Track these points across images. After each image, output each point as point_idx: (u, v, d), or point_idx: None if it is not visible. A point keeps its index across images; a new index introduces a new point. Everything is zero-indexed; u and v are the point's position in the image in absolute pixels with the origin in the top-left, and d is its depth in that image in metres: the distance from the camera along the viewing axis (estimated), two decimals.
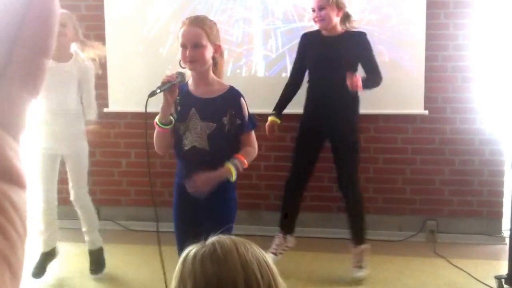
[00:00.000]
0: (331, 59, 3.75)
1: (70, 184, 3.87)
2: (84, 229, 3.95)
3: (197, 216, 2.74)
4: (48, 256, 3.94)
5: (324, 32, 3.81)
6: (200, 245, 1.19)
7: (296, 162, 4.00)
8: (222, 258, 1.15)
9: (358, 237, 3.93)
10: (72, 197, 3.88)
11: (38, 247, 3.91)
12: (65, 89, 3.70)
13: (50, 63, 0.48)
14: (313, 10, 3.76)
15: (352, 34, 3.80)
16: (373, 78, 3.79)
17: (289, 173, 4.03)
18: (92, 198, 4.83)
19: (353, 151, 3.86)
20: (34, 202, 3.79)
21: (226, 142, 2.66)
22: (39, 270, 3.87)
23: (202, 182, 2.62)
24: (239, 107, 2.68)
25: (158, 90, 2.46)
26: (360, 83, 3.60)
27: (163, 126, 2.56)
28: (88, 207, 3.95)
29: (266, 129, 3.88)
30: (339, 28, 3.79)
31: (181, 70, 2.62)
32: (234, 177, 2.66)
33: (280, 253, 4.01)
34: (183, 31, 2.60)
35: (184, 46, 2.59)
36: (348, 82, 3.56)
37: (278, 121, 3.93)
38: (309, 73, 3.92)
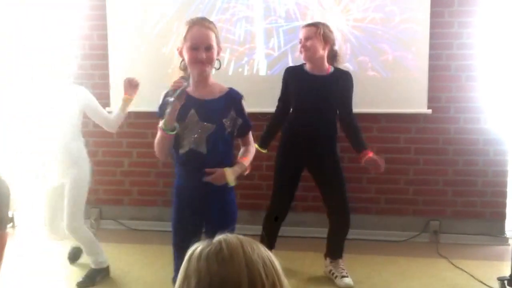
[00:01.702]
0: (316, 99, 3.68)
1: (65, 212, 3.72)
2: (85, 251, 3.88)
3: (196, 218, 2.72)
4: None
5: (308, 68, 3.73)
6: (206, 243, 1.18)
7: (276, 195, 3.94)
8: (228, 257, 1.13)
9: (338, 252, 3.90)
10: (65, 226, 3.74)
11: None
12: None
13: None
14: (300, 42, 3.70)
15: (338, 76, 3.71)
16: (357, 131, 3.78)
17: (270, 207, 3.96)
18: (94, 197, 4.84)
19: (337, 174, 3.79)
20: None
21: (223, 145, 2.65)
22: (74, 257, 4.08)
23: (219, 176, 2.60)
24: (240, 108, 2.67)
25: (172, 99, 2.44)
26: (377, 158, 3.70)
27: (169, 131, 2.54)
28: (83, 236, 3.80)
29: None
30: (326, 65, 3.70)
31: (182, 74, 2.61)
32: (232, 184, 2.64)
33: None
34: (195, 33, 2.56)
35: (195, 48, 2.55)
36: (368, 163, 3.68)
37: (264, 151, 3.93)
38: (293, 107, 3.83)
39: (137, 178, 4.87)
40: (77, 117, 3.69)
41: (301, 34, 3.72)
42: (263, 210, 4.68)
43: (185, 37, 2.58)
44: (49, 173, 3.73)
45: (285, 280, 1.18)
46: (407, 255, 4.25)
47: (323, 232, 4.22)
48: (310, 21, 4.35)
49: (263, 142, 3.94)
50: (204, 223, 2.75)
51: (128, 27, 4.68)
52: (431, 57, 4.34)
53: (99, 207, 4.93)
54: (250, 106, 4.37)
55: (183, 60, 2.64)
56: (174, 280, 2.78)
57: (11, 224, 4.73)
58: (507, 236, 4.43)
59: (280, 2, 4.48)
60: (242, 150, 2.80)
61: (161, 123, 2.55)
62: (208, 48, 2.56)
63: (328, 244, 3.94)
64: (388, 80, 4.38)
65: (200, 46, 2.55)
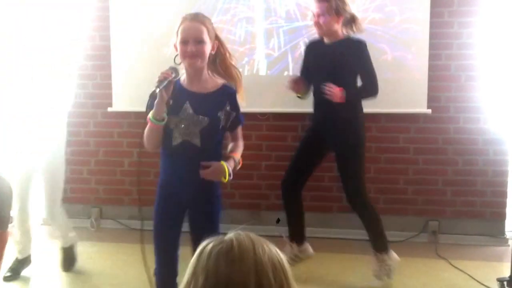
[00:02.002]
0: (328, 66, 3.66)
1: (45, 199, 3.79)
2: (57, 234, 3.96)
3: (179, 210, 2.72)
4: (22, 263, 3.96)
5: (325, 39, 3.73)
6: (218, 240, 1.17)
7: (293, 162, 3.95)
8: (237, 257, 1.13)
9: (375, 244, 3.80)
10: (45, 213, 3.83)
11: (13, 253, 3.92)
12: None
13: None
14: (313, 16, 3.69)
15: (351, 42, 3.66)
16: (367, 89, 3.71)
17: (285, 173, 3.97)
18: (94, 197, 4.87)
19: (354, 157, 3.71)
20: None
21: (216, 138, 2.66)
22: (13, 275, 3.90)
23: (216, 170, 2.59)
24: (234, 102, 2.69)
25: (157, 90, 2.45)
26: (340, 94, 3.52)
27: (156, 122, 2.54)
28: (62, 223, 3.91)
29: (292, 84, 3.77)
30: (340, 34, 3.67)
31: (172, 65, 2.60)
32: (226, 180, 2.62)
33: (289, 262, 3.92)
34: (184, 27, 2.58)
35: (185, 41, 2.56)
36: (327, 92, 3.52)
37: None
38: (312, 80, 3.81)
39: (140, 177, 4.86)
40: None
41: (314, 7, 3.67)
42: (262, 210, 4.71)
43: (177, 32, 2.60)
44: (21, 156, 3.73)
45: (294, 285, 1.17)
46: (406, 255, 4.22)
47: (323, 232, 4.25)
48: (310, 22, 4.37)
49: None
50: (188, 216, 2.74)
51: (130, 28, 4.70)
52: (431, 57, 4.34)
53: (99, 207, 4.95)
54: (250, 106, 4.37)
55: (177, 54, 2.65)
56: (155, 272, 2.80)
57: (12, 224, 4.75)
58: (507, 237, 4.41)
59: (280, 2, 4.49)
60: (231, 145, 2.78)
61: (150, 114, 2.55)
62: (199, 41, 2.55)
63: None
64: (388, 80, 4.36)
65: (190, 40, 2.55)
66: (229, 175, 2.61)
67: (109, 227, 4.87)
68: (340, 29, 3.67)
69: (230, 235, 1.18)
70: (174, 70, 2.56)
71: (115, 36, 4.74)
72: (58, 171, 3.81)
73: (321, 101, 3.69)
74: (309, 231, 4.52)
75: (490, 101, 4.36)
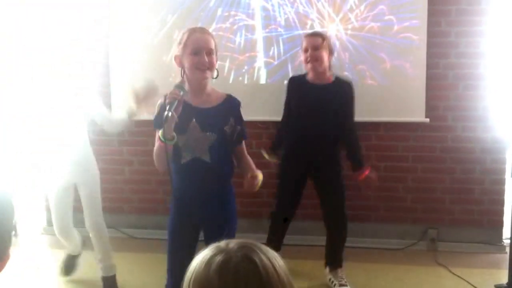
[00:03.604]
0: (318, 108, 3.72)
1: (85, 212, 3.78)
2: (98, 257, 3.86)
3: (194, 227, 2.74)
4: (75, 257, 4.04)
5: (310, 78, 3.77)
6: (235, 256, 1.16)
7: (281, 199, 4.01)
8: (265, 281, 1.14)
9: (337, 261, 3.94)
10: (87, 224, 3.79)
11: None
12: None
13: None
14: (306, 51, 3.71)
15: (342, 84, 3.76)
16: (356, 145, 3.85)
17: (276, 211, 4.05)
18: None
19: (337, 183, 3.84)
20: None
21: (225, 153, 2.66)
22: (69, 269, 4.03)
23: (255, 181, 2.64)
24: (238, 115, 2.68)
25: (170, 113, 2.41)
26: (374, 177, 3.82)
27: (168, 142, 2.49)
28: (104, 235, 3.87)
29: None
30: (328, 74, 3.75)
31: (179, 82, 2.55)
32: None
33: None
34: (196, 38, 2.56)
35: (197, 52, 2.55)
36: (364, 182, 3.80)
37: (274, 160, 4.10)
38: (295, 116, 3.88)
39: (138, 186, 4.89)
40: (82, 122, 3.72)
41: (307, 43, 3.72)
42: (263, 218, 4.70)
43: (185, 43, 2.57)
44: (57, 173, 3.71)
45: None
46: (406, 263, 4.27)
47: (323, 240, 4.24)
48: (309, 30, 4.41)
49: (273, 150, 4.07)
50: (203, 232, 2.76)
51: (130, 36, 4.71)
52: (429, 66, 4.38)
53: None
54: (250, 114, 4.40)
55: (182, 68, 2.61)
56: (167, 287, 2.80)
57: (13, 233, 4.73)
58: (504, 244, 4.44)
59: (280, 11, 4.52)
60: (243, 162, 2.76)
61: (159, 134, 2.51)
62: (210, 52, 2.57)
63: (327, 253, 3.98)
64: (386, 88, 4.41)
65: (202, 51, 2.55)
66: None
67: (110, 236, 4.81)
68: (328, 70, 3.76)
69: (240, 248, 1.18)
70: (181, 88, 2.50)
71: (114, 43, 4.75)
72: (95, 182, 3.79)
73: (307, 138, 3.78)
74: (309, 239, 4.58)
75: (488, 110, 4.40)
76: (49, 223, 5.01)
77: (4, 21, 4.86)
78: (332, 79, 3.75)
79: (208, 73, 2.59)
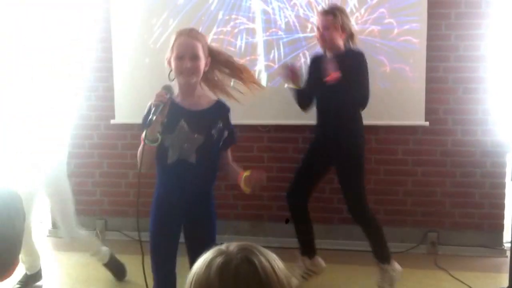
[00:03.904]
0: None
1: (60, 224, 3.79)
2: (90, 253, 3.93)
3: (177, 231, 2.74)
4: (32, 278, 3.95)
5: (327, 53, 3.77)
6: (235, 259, 1.17)
7: (297, 174, 3.98)
8: (265, 283, 1.15)
9: (378, 254, 3.85)
10: (64, 236, 3.81)
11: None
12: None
13: None
14: (318, 29, 3.72)
15: (352, 54, 3.71)
16: (359, 93, 3.71)
17: (290, 185, 4.00)
18: (99, 209, 4.87)
19: (356, 169, 3.76)
20: None
21: (211, 155, 2.67)
22: (22, 287, 3.90)
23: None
24: (227, 120, 2.69)
25: (154, 117, 2.41)
26: (336, 75, 3.51)
27: (150, 143, 2.50)
28: (84, 239, 3.87)
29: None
30: (342, 47, 3.72)
31: (167, 84, 2.57)
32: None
33: (303, 277, 3.97)
34: (180, 42, 2.57)
35: (181, 57, 2.56)
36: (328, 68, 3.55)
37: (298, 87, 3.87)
38: (315, 93, 3.87)
39: (142, 189, 4.87)
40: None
41: (318, 21, 3.73)
42: (264, 221, 4.73)
43: (172, 47, 2.60)
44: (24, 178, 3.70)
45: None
46: (406, 267, 4.23)
47: (324, 243, 4.25)
48: (310, 34, 4.43)
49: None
50: (184, 230, 2.76)
51: (132, 40, 4.73)
52: (429, 69, 4.38)
53: (104, 219, 4.96)
54: (251, 118, 4.45)
55: (171, 70, 2.64)
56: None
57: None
58: (505, 248, 4.43)
59: (280, 14, 4.54)
60: (229, 166, 2.75)
61: (142, 135, 2.51)
62: (194, 57, 2.56)
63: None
64: (386, 92, 4.41)
65: (185, 56, 2.56)
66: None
67: (115, 239, 4.85)
68: (342, 43, 3.72)
69: (239, 250, 1.19)
70: (168, 89, 2.52)
71: (116, 47, 4.77)
72: (62, 185, 3.78)
73: (325, 113, 3.77)
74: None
75: (488, 113, 4.40)
76: (54, 225, 5.05)
77: (4, 21, 4.90)
78: (345, 50, 3.71)
79: (193, 78, 2.59)
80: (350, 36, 3.76)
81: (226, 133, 2.68)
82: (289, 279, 1.20)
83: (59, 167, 3.77)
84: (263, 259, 1.18)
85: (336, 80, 3.50)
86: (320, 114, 3.84)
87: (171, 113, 2.54)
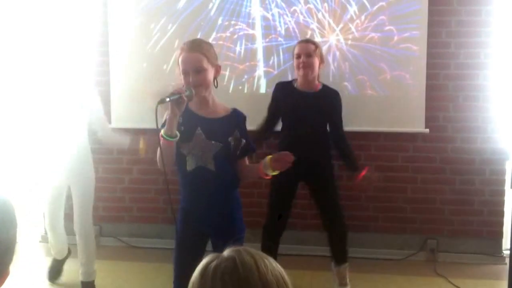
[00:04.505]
0: (305, 116, 3.73)
1: (75, 215, 3.83)
2: (82, 261, 3.87)
3: (202, 243, 2.74)
4: (61, 262, 4.08)
5: (299, 85, 3.81)
6: (219, 259, 1.17)
7: (272, 208, 3.99)
8: (243, 277, 1.14)
9: (341, 256, 3.93)
10: (75, 227, 3.83)
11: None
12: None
13: None
14: (298, 57, 3.74)
15: (329, 92, 3.81)
16: (348, 151, 3.88)
17: (266, 218, 4.03)
18: (94, 214, 4.82)
19: (334, 187, 3.90)
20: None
21: (229, 163, 2.67)
22: (55, 274, 4.06)
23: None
24: (243, 129, 2.71)
25: (168, 99, 2.42)
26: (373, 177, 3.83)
27: (169, 138, 2.50)
28: (91, 240, 3.89)
29: None
30: (316, 82, 3.81)
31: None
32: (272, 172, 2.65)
33: None
34: (183, 58, 2.59)
35: (186, 73, 2.58)
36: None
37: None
38: (283, 123, 3.93)
39: (137, 195, 4.87)
40: (82, 124, 3.77)
41: (299, 49, 3.77)
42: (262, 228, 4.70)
43: (178, 62, 2.62)
44: (52, 172, 3.79)
45: None
46: (405, 274, 4.26)
47: (322, 250, 4.23)
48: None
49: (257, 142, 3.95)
50: (211, 242, 2.76)
51: (130, 44, 4.71)
52: (429, 76, 4.38)
53: (99, 224, 4.91)
54: (249, 124, 4.36)
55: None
56: None
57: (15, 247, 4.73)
58: (504, 255, 4.43)
59: (280, 20, 4.53)
60: (247, 168, 2.78)
61: (161, 131, 2.52)
62: (198, 71, 2.57)
63: (331, 250, 3.98)
64: (386, 99, 4.42)
65: (189, 71, 2.57)
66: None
67: (110, 245, 4.83)
68: (317, 78, 3.82)
69: (229, 252, 1.19)
70: (188, 88, 2.53)
71: (114, 52, 4.74)
72: (89, 185, 3.85)
73: (296, 144, 3.73)
74: (308, 249, 4.57)
75: (487, 121, 4.41)
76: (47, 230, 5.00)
77: (4, 21, 4.87)
78: (320, 87, 3.82)
79: (201, 90, 2.60)
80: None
81: (244, 142, 2.69)
82: (283, 282, 1.17)
83: (84, 155, 3.81)
84: (246, 257, 1.16)
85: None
86: (292, 144, 3.76)
87: (188, 122, 2.57)
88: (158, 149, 2.57)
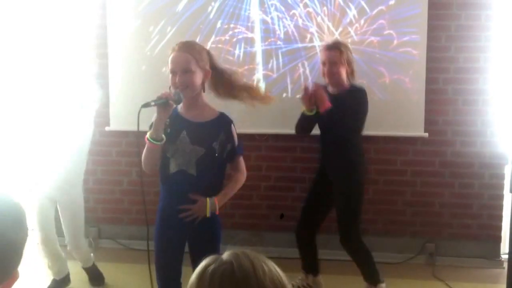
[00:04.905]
0: (338, 117, 3.57)
1: (65, 232, 3.84)
2: (77, 256, 3.97)
3: (180, 239, 2.76)
4: (60, 283, 3.98)
5: (330, 89, 3.71)
6: (218, 262, 1.18)
7: (306, 209, 3.96)
8: (240, 282, 1.14)
9: (368, 276, 3.84)
10: (68, 244, 3.87)
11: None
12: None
13: None
14: (323, 64, 3.66)
15: (355, 91, 3.67)
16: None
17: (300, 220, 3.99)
18: (93, 216, 4.83)
19: (349, 207, 3.74)
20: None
21: (213, 168, 2.68)
22: None
23: (195, 211, 2.66)
24: (229, 133, 2.71)
25: (153, 103, 2.45)
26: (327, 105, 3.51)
27: (154, 141, 2.54)
28: (85, 252, 3.99)
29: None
30: (345, 83, 3.68)
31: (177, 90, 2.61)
32: (207, 215, 2.68)
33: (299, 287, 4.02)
34: (172, 57, 2.62)
35: (173, 72, 2.61)
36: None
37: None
38: (319, 125, 3.81)
39: (136, 197, 4.86)
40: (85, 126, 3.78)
41: (323, 57, 3.66)
42: (262, 230, 4.71)
43: (168, 62, 2.65)
44: (43, 182, 3.76)
45: None
46: (404, 277, 4.27)
47: (322, 253, 4.22)
48: (309, 43, 4.43)
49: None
50: (188, 243, 2.79)
51: (129, 47, 4.70)
52: (428, 80, 4.39)
53: (98, 226, 4.92)
54: (249, 127, 4.43)
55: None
56: None
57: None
58: (502, 259, 4.44)
59: (279, 24, 4.53)
60: (231, 180, 2.82)
61: (147, 134, 2.55)
62: (185, 71, 2.58)
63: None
64: (385, 103, 4.42)
65: (177, 71, 2.59)
66: (214, 210, 2.66)
67: (108, 247, 4.83)
68: (345, 81, 3.69)
69: (228, 255, 1.19)
70: (178, 94, 2.55)
71: (113, 54, 4.73)
72: (77, 199, 3.86)
73: (328, 146, 3.76)
74: (321, 253, 4.54)
75: (487, 125, 4.42)
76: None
77: (4, 22, 4.86)
78: (348, 87, 3.68)
79: (188, 92, 2.61)
80: (351, 72, 3.72)
81: (229, 146, 2.70)
82: (282, 286, 1.17)
83: (75, 173, 3.81)
84: (244, 260, 1.17)
85: (327, 110, 3.49)
86: (324, 146, 3.81)
87: (174, 124, 2.59)
88: (144, 151, 2.62)
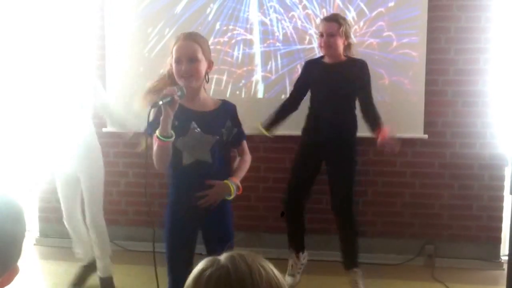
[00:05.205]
0: (333, 85, 3.79)
1: (85, 206, 3.84)
2: (96, 254, 3.88)
3: (192, 231, 2.75)
4: (87, 269, 3.98)
5: (326, 59, 3.87)
6: (215, 265, 1.16)
7: (292, 182, 4.02)
8: (236, 285, 1.12)
9: (352, 259, 3.92)
10: (87, 220, 3.84)
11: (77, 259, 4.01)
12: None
13: None
14: (321, 35, 3.78)
15: (354, 62, 3.85)
16: (376, 118, 3.86)
17: (286, 193, 4.05)
18: None
19: (350, 172, 3.89)
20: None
21: (223, 153, 2.70)
22: (79, 282, 3.94)
23: (214, 196, 2.64)
24: (235, 117, 2.74)
25: (161, 102, 2.42)
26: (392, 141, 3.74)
27: (164, 139, 2.50)
28: (103, 231, 3.89)
29: None
30: (342, 55, 3.84)
31: (179, 85, 2.59)
32: (232, 196, 2.69)
33: (298, 273, 4.07)
34: (178, 46, 2.59)
35: (179, 61, 2.58)
36: (381, 143, 3.72)
37: (269, 134, 4.03)
38: (312, 98, 3.97)
39: (134, 198, 4.85)
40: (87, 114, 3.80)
41: (323, 27, 3.78)
42: (260, 232, 4.70)
43: (171, 51, 2.62)
44: (61, 162, 3.78)
45: None
46: (403, 279, 4.26)
47: (321, 254, 4.22)
48: (307, 46, 4.42)
49: (268, 125, 4.03)
50: (202, 234, 2.79)
51: (127, 48, 4.69)
52: (428, 82, 4.39)
53: None
54: (247, 128, 4.37)
55: (172, 74, 2.65)
56: None
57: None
58: (502, 261, 4.44)
59: (278, 26, 4.52)
60: (237, 161, 2.84)
61: (156, 132, 2.52)
62: (192, 60, 2.57)
63: (341, 252, 3.97)
64: (384, 104, 4.40)
65: (183, 59, 2.57)
66: (236, 190, 2.67)
67: None
68: (342, 51, 3.81)
69: (225, 259, 1.17)
70: (180, 88, 2.52)
71: (111, 55, 4.72)
72: (97, 175, 3.87)
73: (322, 117, 3.85)
74: (314, 254, 4.52)
75: (486, 127, 4.42)
76: (42, 233, 4.98)
77: (4, 22, 4.85)
78: (345, 59, 3.82)
79: (192, 81, 2.59)
80: (348, 45, 3.85)
81: (235, 130, 2.73)
82: (275, 285, 1.16)
83: (91, 143, 3.83)
84: (240, 263, 1.15)
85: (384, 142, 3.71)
86: (318, 117, 3.89)
87: (181, 116, 2.56)
88: (154, 150, 2.57)
